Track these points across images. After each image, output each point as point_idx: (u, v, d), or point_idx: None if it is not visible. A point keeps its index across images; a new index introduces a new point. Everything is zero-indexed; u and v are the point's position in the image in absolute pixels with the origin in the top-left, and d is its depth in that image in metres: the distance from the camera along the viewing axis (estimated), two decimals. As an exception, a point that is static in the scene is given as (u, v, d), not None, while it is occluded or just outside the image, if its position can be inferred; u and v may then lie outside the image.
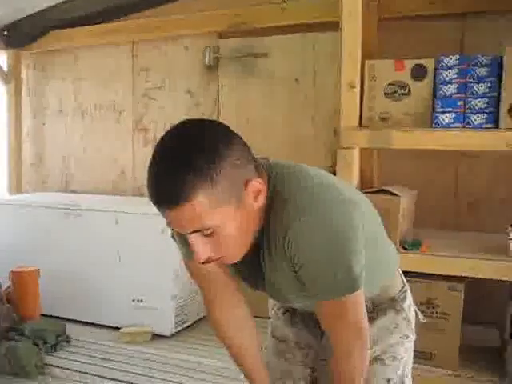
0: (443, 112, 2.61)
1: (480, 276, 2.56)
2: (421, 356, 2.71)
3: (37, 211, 3.88)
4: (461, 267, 2.57)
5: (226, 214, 0.95)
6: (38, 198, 4.11)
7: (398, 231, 2.67)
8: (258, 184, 0.98)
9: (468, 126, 2.57)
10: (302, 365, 1.31)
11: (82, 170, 4.44)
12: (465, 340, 2.74)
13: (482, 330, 3.02)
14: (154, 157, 0.98)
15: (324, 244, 0.99)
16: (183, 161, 0.91)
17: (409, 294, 1.24)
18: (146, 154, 4.13)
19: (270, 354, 1.37)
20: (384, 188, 2.73)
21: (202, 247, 0.98)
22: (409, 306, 1.23)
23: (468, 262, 2.55)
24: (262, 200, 1.00)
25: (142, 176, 3.81)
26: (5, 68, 4.48)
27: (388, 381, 1.21)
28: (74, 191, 4.44)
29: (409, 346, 1.24)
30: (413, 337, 1.24)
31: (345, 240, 0.99)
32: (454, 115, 2.59)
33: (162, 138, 0.99)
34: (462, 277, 2.67)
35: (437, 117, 2.61)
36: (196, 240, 0.97)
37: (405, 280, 1.27)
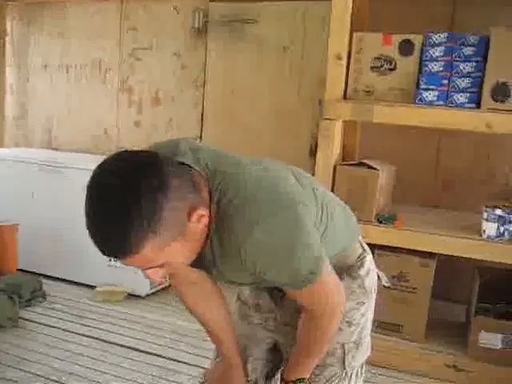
0: (427, 89, 2.62)
1: (451, 253, 2.62)
2: (389, 328, 2.79)
3: (17, 166, 3.85)
4: (433, 243, 2.62)
5: (173, 249, 0.98)
6: (19, 153, 4.07)
7: (374, 204, 2.70)
8: (199, 211, 0.99)
9: (450, 105, 2.59)
10: (262, 328, 1.34)
11: (65, 128, 4.39)
12: (433, 315, 2.81)
13: (450, 306, 3.10)
14: (91, 206, 0.94)
15: (278, 252, 1.03)
16: (124, 217, 0.90)
17: (368, 261, 1.26)
18: (130, 115, 4.11)
19: (235, 317, 1.40)
20: (363, 161, 2.75)
21: (153, 274, 1.02)
22: (366, 272, 1.25)
23: (440, 239, 2.60)
24: (206, 220, 1.02)
25: (126, 137, 3.81)
26: (-11, 19, 4.39)
27: (343, 345, 1.24)
28: (56, 148, 4.41)
29: (365, 312, 1.26)
30: (369, 302, 1.27)
31: (295, 242, 1.03)
32: (437, 93, 2.61)
33: (97, 182, 0.95)
34: (434, 253, 2.72)
35: (421, 93, 2.62)
36: (147, 270, 1.01)
37: (366, 247, 1.29)
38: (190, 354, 2.82)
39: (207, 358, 2.63)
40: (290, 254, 1.03)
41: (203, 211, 0.99)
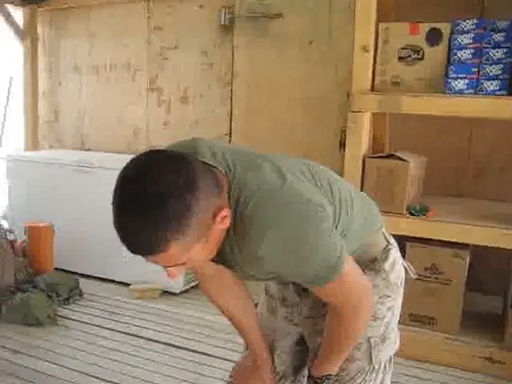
0: (456, 78, 2.58)
1: (485, 243, 2.57)
2: (422, 320, 2.76)
3: (51, 168, 3.94)
4: (466, 234, 2.58)
5: (197, 249, 1.00)
6: (53, 155, 4.16)
7: (405, 196, 2.68)
8: (224, 213, 1.00)
9: (481, 93, 2.54)
10: (289, 321, 1.34)
11: (97, 129, 4.47)
12: (467, 306, 2.77)
13: (485, 297, 3.05)
14: (119, 205, 0.95)
15: (293, 254, 1.03)
16: (152, 217, 0.92)
17: (393, 254, 1.24)
18: (159, 114, 4.15)
19: (263, 311, 1.41)
20: (393, 153, 2.73)
21: (175, 271, 1.04)
22: (391, 265, 1.23)
23: (474, 230, 2.56)
24: (228, 220, 1.03)
25: (156, 136, 3.86)
26: (21, 25, 4.49)
27: (368, 340, 1.23)
28: (88, 149, 4.49)
29: (391, 305, 1.25)
30: (395, 296, 1.25)
31: (310, 244, 1.03)
32: (467, 81, 2.56)
33: (125, 182, 0.96)
34: (466, 244, 2.68)
35: (449, 83, 2.58)
36: (169, 268, 1.03)
37: (391, 239, 1.27)
38: (223, 348, 2.84)
39: (240, 352, 2.67)
40: (305, 257, 1.03)
41: (227, 212, 1.01)
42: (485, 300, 3.04)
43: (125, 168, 0.97)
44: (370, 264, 1.21)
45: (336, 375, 1.24)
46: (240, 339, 2.66)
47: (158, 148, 1.05)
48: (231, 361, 2.63)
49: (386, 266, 1.22)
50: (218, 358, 2.75)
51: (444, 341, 2.71)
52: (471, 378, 2.61)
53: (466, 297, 2.75)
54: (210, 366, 2.68)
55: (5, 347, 2.81)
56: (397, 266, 1.24)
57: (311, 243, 1.02)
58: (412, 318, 2.71)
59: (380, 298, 1.22)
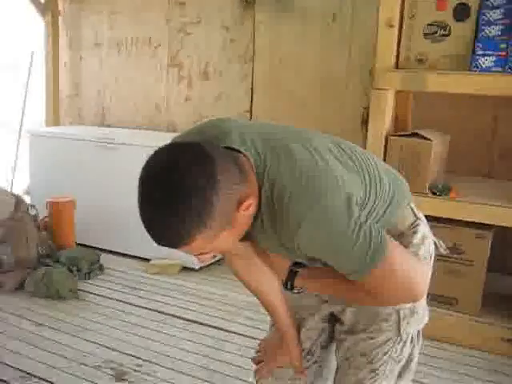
0: (484, 55, 2.51)
1: (507, 224, 2.53)
2: (443, 301, 2.75)
3: (72, 144, 3.96)
4: (489, 215, 2.54)
5: (221, 238, 1.03)
6: (74, 131, 4.19)
7: (428, 175, 2.64)
8: (248, 201, 1.02)
9: (509, 71, 2.48)
10: (317, 298, 1.33)
11: (118, 104, 4.48)
12: (489, 287, 2.74)
13: (507, 279, 3.02)
14: (144, 200, 0.99)
15: (329, 242, 1.03)
16: (174, 214, 0.95)
17: (421, 228, 1.22)
18: (180, 90, 4.14)
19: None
20: (417, 131, 2.69)
21: (202, 257, 1.09)
22: (421, 240, 1.21)
23: (497, 210, 2.52)
24: (254, 207, 1.05)
25: (176, 112, 3.84)
26: (42, 0, 4.49)
27: (398, 311, 1.21)
28: (109, 125, 4.50)
29: None
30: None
31: (347, 232, 1.02)
32: (494, 58, 2.50)
33: (148, 178, 0.99)
34: (490, 225, 2.65)
35: (477, 60, 2.52)
36: (196, 255, 1.08)
37: (419, 214, 1.26)
38: (243, 325, 2.87)
39: (260, 329, 2.69)
40: (342, 245, 1.03)
41: (251, 200, 1.03)
42: (507, 281, 3.01)
43: (146, 165, 1.00)
44: (398, 239, 1.20)
45: (362, 341, 1.24)
46: (260, 316, 2.68)
47: (177, 142, 1.08)
48: (252, 337, 2.65)
49: (415, 240, 1.21)
50: (239, 334, 2.78)
51: (465, 321, 2.70)
52: (492, 359, 2.61)
53: (488, 278, 2.73)
54: (231, 342, 2.70)
55: (29, 319, 2.87)
56: (426, 241, 1.23)
57: (347, 232, 1.02)
58: (433, 298, 2.68)
59: None
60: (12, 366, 2.42)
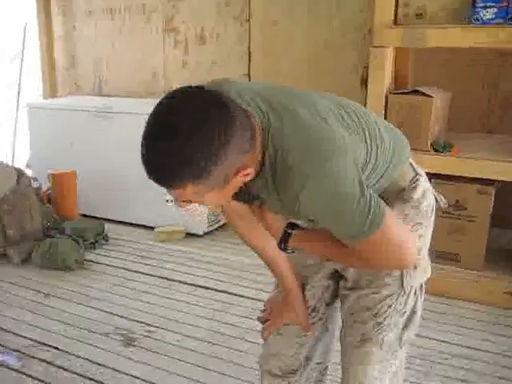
0: (484, 7, 2.46)
1: (509, 179, 2.53)
2: (446, 257, 2.77)
3: (71, 115, 3.94)
4: (491, 170, 2.54)
5: (208, 196, 1.01)
6: (73, 102, 4.15)
7: (429, 133, 2.63)
8: (247, 171, 1.01)
9: (510, 22, 2.43)
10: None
11: (114, 73, 4.43)
12: (491, 243, 2.76)
13: (510, 233, 3.03)
14: (150, 131, 0.95)
15: (330, 206, 1.03)
16: (180, 157, 0.92)
17: (422, 183, 1.22)
18: (176, 56, 4.08)
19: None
20: (417, 89, 2.66)
21: (183, 205, 1.05)
22: (422, 194, 1.21)
23: (499, 166, 2.51)
24: (250, 177, 1.03)
25: (174, 78, 3.78)
26: (32, -32, 4.40)
27: None
28: (107, 95, 4.46)
29: (422, 233, 1.24)
30: (426, 224, 1.24)
31: (348, 196, 1.02)
32: (496, 10, 2.44)
33: (159, 116, 0.95)
34: (492, 180, 2.64)
35: (477, 12, 2.47)
36: (179, 202, 1.04)
37: (419, 170, 1.25)
38: (249, 288, 2.90)
39: (266, 291, 2.71)
40: (342, 209, 1.03)
41: (251, 169, 1.01)
42: (510, 236, 3.02)
43: (159, 105, 0.97)
44: (399, 194, 1.20)
45: (366, 296, 1.26)
46: (265, 279, 2.70)
47: (194, 86, 1.01)
48: (257, 299, 2.68)
49: (415, 195, 1.21)
50: (245, 297, 2.81)
51: (468, 277, 2.73)
52: (495, 312, 2.64)
53: (491, 233, 2.74)
54: (238, 305, 2.74)
55: (37, 290, 2.91)
56: (427, 196, 1.23)
57: (348, 196, 1.02)
58: (436, 254, 2.71)
59: (412, 226, 1.21)
60: (22, 336, 2.47)
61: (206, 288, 2.93)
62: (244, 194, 1.15)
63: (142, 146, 0.96)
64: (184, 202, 1.03)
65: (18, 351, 2.34)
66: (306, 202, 1.03)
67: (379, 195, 1.09)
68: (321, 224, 1.11)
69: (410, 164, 1.26)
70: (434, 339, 2.41)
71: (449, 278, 2.72)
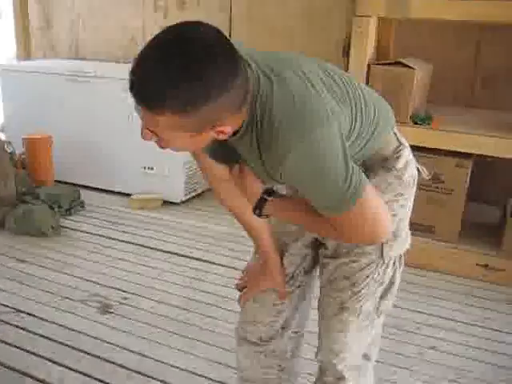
0: (471, -22, 2.43)
1: (488, 153, 2.55)
2: (422, 229, 2.79)
3: (46, 78, 3.83)
4: (469, 144, 2.55)
5: (181, 137, 0.98)
6: (47, 64, 4.04)
7: (410, 105, 2.63)
8: (225, 129, 0.98)
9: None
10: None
11: (91, 37, 4.31)
12: (467, 216, 2.79)
13: (485, 208, 3.07)
14: (151, 53, 0.91)
15: (311, 176, 1.02)
16: (169, 78, 0.88)
17: (405, 154, 1.22)
18: (156, 20, 3.99)
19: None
20: (400, 60, 2.64)
21: (148, 135, 1.00)
22: (404, 165, 1.21)
23: (477, 139, 2.53)
24: (224, 136, 1.01)
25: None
26: None
27: None
28: (83, 58, 4.35)
29: (404, 204, 1.25)
30: (408, 195, 1.25)
31: (330, 166, 1.01)
32: (482, -18, 2.42)
33: (170, 34, 0.92)
34: (470, 154, 2.66)
35: (462, -17, 2.44)
36: (145, 130, 0.99)
37: (402, 140, 1.25)
38: (225, 256, 2.90)
39: (241, 260, 2.72)
40: (323, 179, 1.02)
41: (227, 130, 0.99)
42: (487, 210, 3.07)
43: (180, 24, 0.94)
44: (382, 163, 1.19)
45: (345, 264, 1.26)
46: (242, 247, 2.71)
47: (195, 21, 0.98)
48: (233, 268, 2.69)
49: (398, 164, 1.20)
50: (221, 265, 2.81)
51: (443, 248, 2.77)
52: (467, 283, 2.69)
53: (468, 207, 2.77)
54: (213, 273, 2.74)
55: (12, 257, 2.86)
56: (409, 166, 1.23)
57: (331, 169, 1.01)
58: (412, 226, 2.72)
59: (395, 196, 1.21)
60: (-3, 302, 2.44)
61: (182, 255, 2.92)
62: (227, 154, 1.13)
63: (135, 62, 0.92)
64: (151, 132, 0.98)
65: (-9, 317, 2.32)
66: (287, 169, 1.02)
67: (363, 163, 1.09)
68: (300, 192, 1.10)
69: (395, 134, 1.25)
70: (408, 309, 2.45)
71: (423, 249, 2.75)
